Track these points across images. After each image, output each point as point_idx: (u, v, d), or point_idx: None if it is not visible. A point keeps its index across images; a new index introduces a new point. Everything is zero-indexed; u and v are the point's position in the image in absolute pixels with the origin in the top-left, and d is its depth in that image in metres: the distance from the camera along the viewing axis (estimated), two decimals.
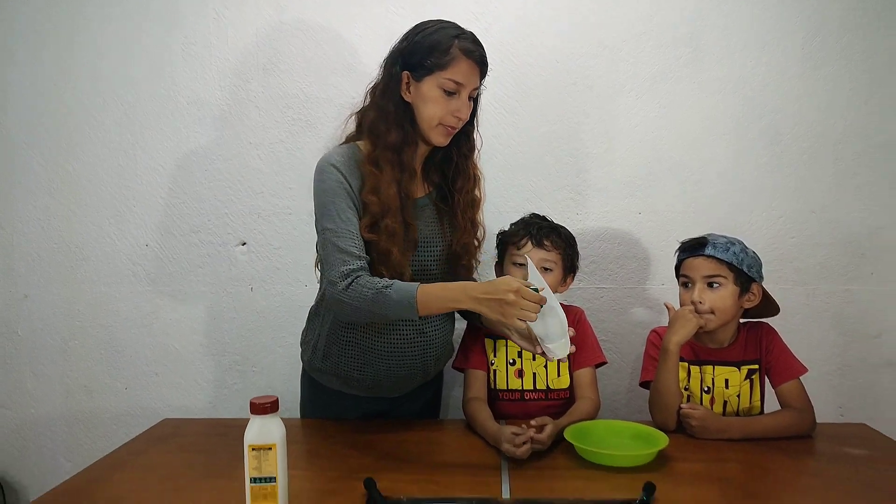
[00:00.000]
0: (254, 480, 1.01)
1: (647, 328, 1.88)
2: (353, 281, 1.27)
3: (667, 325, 1.56)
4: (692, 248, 1.46)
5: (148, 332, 2.01)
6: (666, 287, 1.90)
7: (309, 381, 1.54)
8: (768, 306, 1.47)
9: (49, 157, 1.99)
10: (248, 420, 1.02)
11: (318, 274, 1.48)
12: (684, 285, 1.48)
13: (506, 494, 1.11)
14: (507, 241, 1.56)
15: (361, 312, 1.28)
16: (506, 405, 1.54)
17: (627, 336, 1.94)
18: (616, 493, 1.11)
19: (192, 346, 2.01)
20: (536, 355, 1.25)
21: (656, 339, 1.54)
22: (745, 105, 1.90)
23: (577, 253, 1.56)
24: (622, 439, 1.33)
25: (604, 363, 1.57)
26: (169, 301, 2.00)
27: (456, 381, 1.81)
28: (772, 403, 1.48)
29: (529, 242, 1.50)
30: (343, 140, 1.44)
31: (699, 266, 1.44)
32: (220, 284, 1.99)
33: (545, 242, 1.49)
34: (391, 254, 1.33)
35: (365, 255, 1.32)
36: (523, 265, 1.47)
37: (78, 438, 2.04)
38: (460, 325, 1.60)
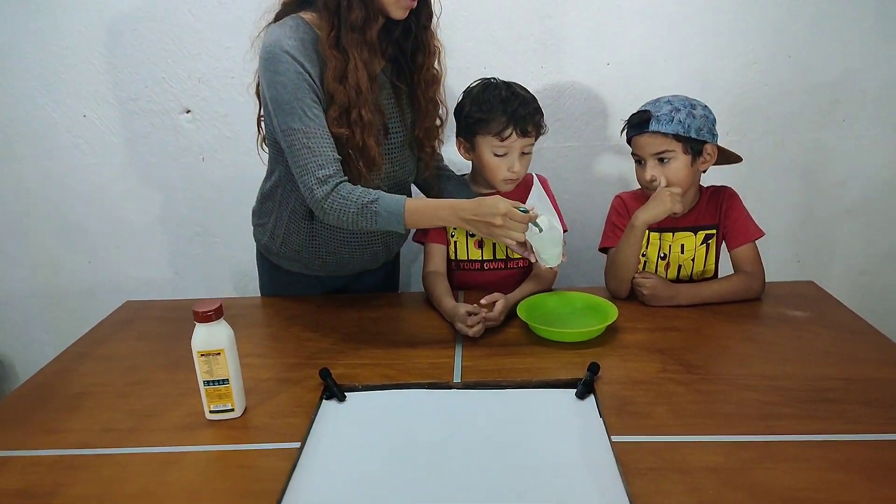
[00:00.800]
0: (207, 383, 1.04)
1: (613, 186, 1.86)
2: (333, 189, 1.21)
3: (631, 190, 1.54)
4: (637, 125, 1.39)
5: (101, 205, 1.96)
6: None
7: (266, 262, 1.53)
8: (728, 158, 1.44)
9: None
10: (212, 299, 1.03)
11: (267, 156, 1.41)
12: (637, 163, 1.43)
13: (457, 377, 1.16)
14: (482, 128, 1.39)
15: (344, 223, 1.23)
16: (466, 275, 1.56)
17: (592, 195, 1.92)
18: (563, 372, 1.15)
19: (149, 218, 1.98)
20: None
21: (620, 206, 1.52)
22: None
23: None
24: (574, 311, 1.37)
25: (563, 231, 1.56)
26: (118, 173, 1.93)
27: (419, 254, 1.81)
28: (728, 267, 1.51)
29: (514, 133, 1.37)
30: (279, 7, 1.29)
31: (646, 143, 1.38)
32: (168, 155, 1.90)
33: (529, 129, 1.38)
34: (368, 147, 1.25)
35: (338, 154, 1.24)
36: (505, 156, 1.40)
37: (51, 312, 2.08)
38: None
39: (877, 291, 2.02)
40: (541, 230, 1.17)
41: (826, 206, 1.96)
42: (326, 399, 1.13)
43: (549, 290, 1.46)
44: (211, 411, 1.05)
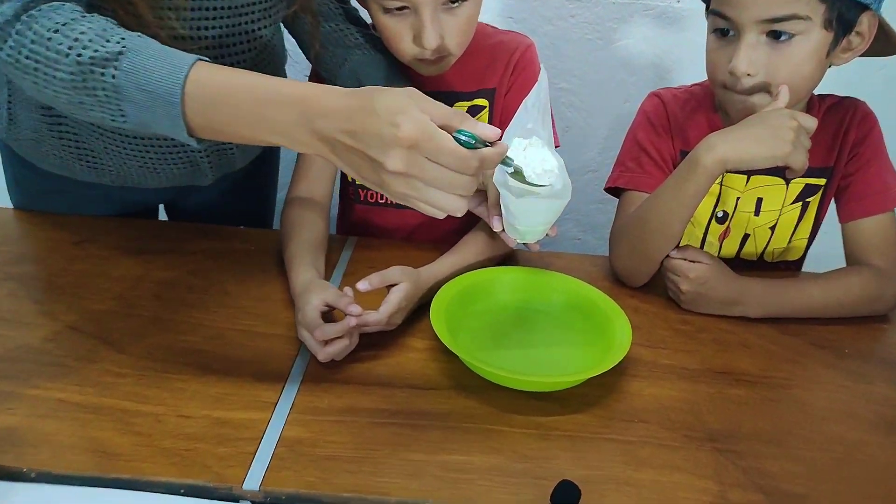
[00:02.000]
0: None
1: (642, 74, 1.20)
2: (21, 18, 0.53)
3: (681, 86, 0.86)
4: None
5: None
6: (685, 6, 1.13)
7: (8, 153, 0.84)
8: (890, 41, 0.74)
9: None
10: None
11: None
12: (720, 33, 0.72)
13: (256, 477, 0.51)
14: None
15: (47, 96, 0.55)
16: (368, 213, 0.89)
17: (605, 83, 1.24)
18: (499, 485, 0.52)
19: None
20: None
21: (657, 114, 0.83)
22: None
23: None
24: (545, 307, 0.71)
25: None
26: None
27: None
28: (827, 244, 0.85)
29: None
30: None
31: None
32: None
33: None
34: None
35: None
36: (404, 14, 0.70)
37: None
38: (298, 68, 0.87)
39: None
40: (528, 183, 0.54)
41: None
42: None
43: (503, 260, 0.79)
44: None
